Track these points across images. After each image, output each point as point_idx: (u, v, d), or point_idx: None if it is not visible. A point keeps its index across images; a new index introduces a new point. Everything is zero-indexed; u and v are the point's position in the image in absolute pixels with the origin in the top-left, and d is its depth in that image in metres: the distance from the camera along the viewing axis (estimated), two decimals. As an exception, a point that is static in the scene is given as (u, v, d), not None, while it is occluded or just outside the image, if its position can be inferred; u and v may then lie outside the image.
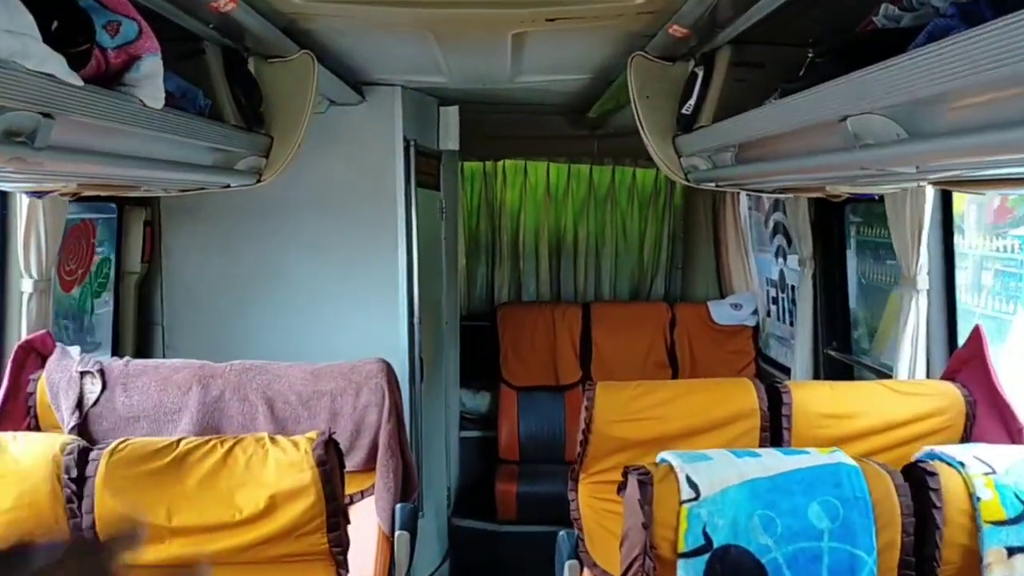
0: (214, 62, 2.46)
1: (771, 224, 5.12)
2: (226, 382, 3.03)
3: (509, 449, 5.28)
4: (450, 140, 4.69)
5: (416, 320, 4.20)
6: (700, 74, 2.56)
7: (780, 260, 4.98)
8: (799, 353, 4.25)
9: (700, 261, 5.86)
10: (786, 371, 4.83)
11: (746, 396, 2.82)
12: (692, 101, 2.58)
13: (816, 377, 4.22)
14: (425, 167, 4.47)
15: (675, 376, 5.33)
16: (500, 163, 5.95)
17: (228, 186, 2.83)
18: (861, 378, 3.86)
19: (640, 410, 2.81)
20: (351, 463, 2.98)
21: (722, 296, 5.61)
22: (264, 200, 4.01)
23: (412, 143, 4.13)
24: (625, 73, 3.55)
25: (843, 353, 4.11)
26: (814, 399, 2.84)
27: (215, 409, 3.01)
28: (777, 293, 5.10)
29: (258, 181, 2.85)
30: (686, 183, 2.89)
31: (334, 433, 2.42)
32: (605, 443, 2.79)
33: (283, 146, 2.85)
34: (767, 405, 2.81)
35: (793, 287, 4.87)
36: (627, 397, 2.83)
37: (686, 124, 2.64)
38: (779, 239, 4.99)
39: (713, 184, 2.85)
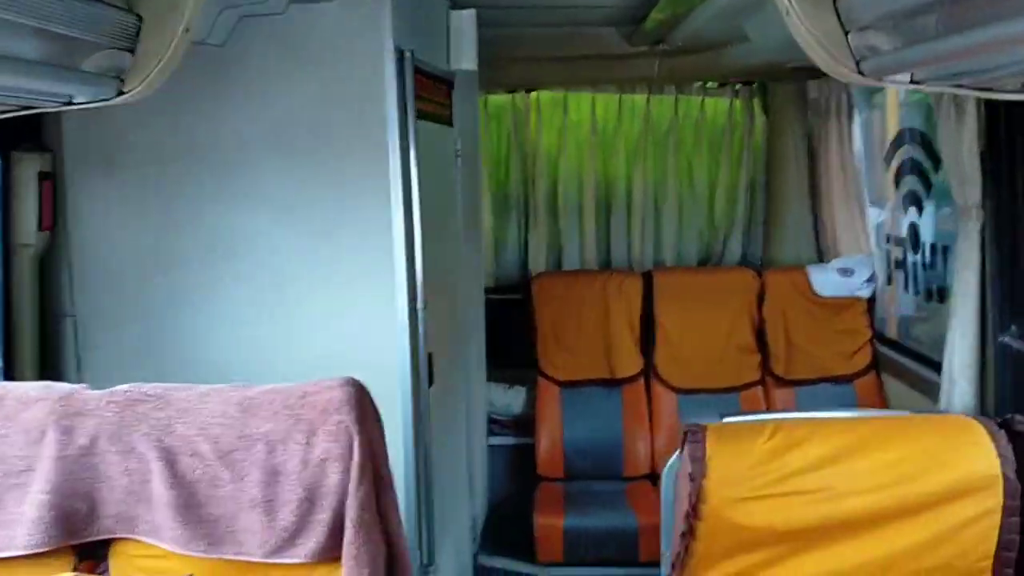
0: None
1: (896, 161, 3.85)
2: (100, 424, 1.94)
3: (551, 463, 4.11)
4: (465, 57, 3.47)
5: (419, 305, 3.02)
6: None
7: (912, 210, 3.73)
8: (958, 340, 3.00)
9: (789, 215, 4.61)
10: (927, 362, 3.59)
11: (977, 451, 1.60)
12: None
13: (983, 377, 2.98)
14: (431, 93, 3.26)
15: (765, 365, 4.11)
16: (533, 95, 4.73)
17: (70, 102, 1.66)
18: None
19: (789, 476, 1.61)
20: (301, 552, 1.90)
21: (821, 259, 4.36)
22: (209, 144, 2.91)
23: (409, 56, 2.91)
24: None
25: (1031, 342, 2.86)
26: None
27: (83, 468, 1.93)
28: (905, 254, 3.85)
29: (120, 94, 1.67)
30: (859, 78, 1.65)
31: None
32: (725, 536, 1.60)
33: (158, 34, 1.64)
34: (1015, 466, 1.59)
35: (934, 246, 3.63)
36: (764, 451, 1.63)
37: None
38: (910, 181, 3.72)
39: (908, 76, 1.61)
